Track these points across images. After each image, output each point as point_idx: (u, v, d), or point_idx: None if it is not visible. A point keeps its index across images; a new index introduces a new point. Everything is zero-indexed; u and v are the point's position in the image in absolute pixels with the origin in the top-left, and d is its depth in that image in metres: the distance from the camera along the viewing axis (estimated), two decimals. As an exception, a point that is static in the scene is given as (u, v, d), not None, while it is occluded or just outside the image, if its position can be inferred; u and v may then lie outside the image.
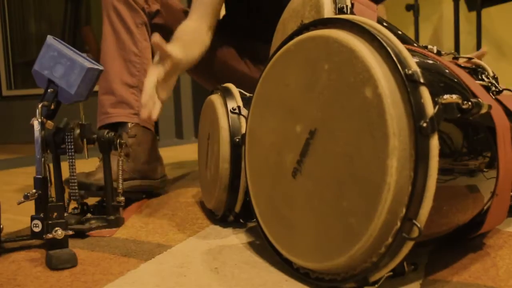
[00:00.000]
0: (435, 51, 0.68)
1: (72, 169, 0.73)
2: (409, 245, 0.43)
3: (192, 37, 0.97)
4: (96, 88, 0.74)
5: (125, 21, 1.03)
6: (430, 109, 0.42)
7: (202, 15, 1.02)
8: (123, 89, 1.02)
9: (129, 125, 1.00)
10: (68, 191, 0.75)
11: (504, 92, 0.69)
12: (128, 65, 1.03)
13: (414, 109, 0.41)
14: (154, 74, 0.77)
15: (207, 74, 1.31)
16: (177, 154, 2.06)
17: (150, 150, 1.02)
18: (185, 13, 1.20)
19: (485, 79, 0.69)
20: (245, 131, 0.64)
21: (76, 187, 0.74)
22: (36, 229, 0.65)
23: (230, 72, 1.26)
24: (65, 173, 0.76)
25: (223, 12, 1.21)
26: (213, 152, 0.77)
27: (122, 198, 0.80)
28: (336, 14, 0.65)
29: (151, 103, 0.74)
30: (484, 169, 0.52)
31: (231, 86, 0.79)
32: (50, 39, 0.70)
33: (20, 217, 0.89)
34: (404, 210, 0.42)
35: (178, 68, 0.82)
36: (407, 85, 0.42)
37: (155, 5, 1.09)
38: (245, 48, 1.24)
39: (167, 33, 1.16)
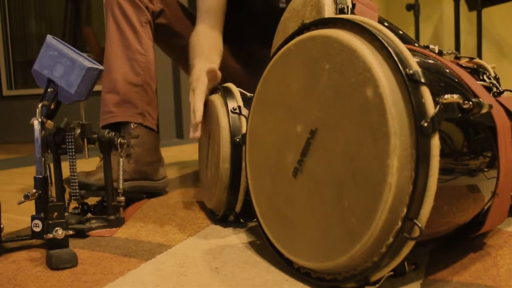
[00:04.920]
0: (436, 51, 0.68)
1: (73, 169, 0.73)
2: (410, 245, 0.43)
3: (212, 47, 1.00)
4: (97, 87, 0.74)
5: (130, 19, 1.02)
6: (431, 109, 0.42)
7: (213, 25, 1.04)
8: (127, 88, 1.01)
9: (132, 125, 1.00)
10: (69, 191, 0.75)
11: (505, 93, 0.69)
12: (133, 64, 1.02)
13: (415, 109, 0.41)
14: (204, 94, 0.80)
15: None
16: (177, 154, 2.06)
17: (152, 151, 1.02)
18: (189, 15, 1.19)
19: (486, 79, 0.69)
20: (246, 131, 0.64)
21: (76, 187, 0.74)
22: (37, 229, 0.65)
23: (226, 72, 1.26)
24: (66, 173, 0.76)
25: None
26: (213, 152, 0.77)
27: (122, 198, 0.79)
28: (336, 14, 0.65)
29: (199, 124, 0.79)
30: (485, 169, 0.51)
31: (231, 86, 0.79)
32: (50, 38, 0.70)
33: (21, 217, 0.89)
34: (405, 210, 0.42)
35: (217, 77, 0.85)
36: (408, 85, 0.42)
37: (159, 4, 1.09)
38: (241, 49, 1.24)
39: (171, 34, 1.17)
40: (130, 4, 1.02)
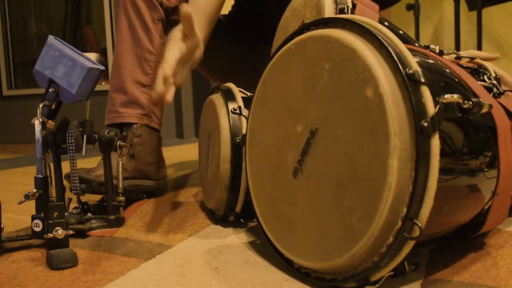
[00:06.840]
0: (437, 50, 0.68)
1: (73, 164, 0.72)
2: (410, 245, 0.43)
3: (206, 16, 0.86)
4: (98, 88, 0.74)
5: (143, 16, 1.01)
6: (431, 109, 0.42)
7: None
8: (135, 88, 1.00)
9: (135, 124, 1.00)
10: (69, 186, 0.75)
11: (506, 93, 0.68)
12: (142, 63, 1.01)
13: (415, 109, 0.41)
14: (177, 48, 0.66)
15: (221, 72, 1.29)
16: (178, 154, 2.06)
17: (154, 151, 1.02)
18: None
19: (487, 80, 0.69)
20: (246, 131, 0.64)
21: (77, 181, 0.74)
22: (37, 229, 0.65)
23: (234, 71, 1.26)
24: (66, 173, 0.76)
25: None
26: (213, 152, 0.77)
27: (122, 198, 0.80)
28: (337, 14, 0.65)
29: (171, 80, 0.63)
30: (485, 169, 0.52)
31: (232, 86, 0.79)
32: (51, 38, 0.70)
33: (21, 216, 0.89)
34: (405, 210, 0.42)
35: (198, 50, 0.72)
36: (408, 84, 0.42)
37: (174, 0, 1.07)
38: (254, 47, 1.23)
39: None
40: (144, 0, 1.01)
